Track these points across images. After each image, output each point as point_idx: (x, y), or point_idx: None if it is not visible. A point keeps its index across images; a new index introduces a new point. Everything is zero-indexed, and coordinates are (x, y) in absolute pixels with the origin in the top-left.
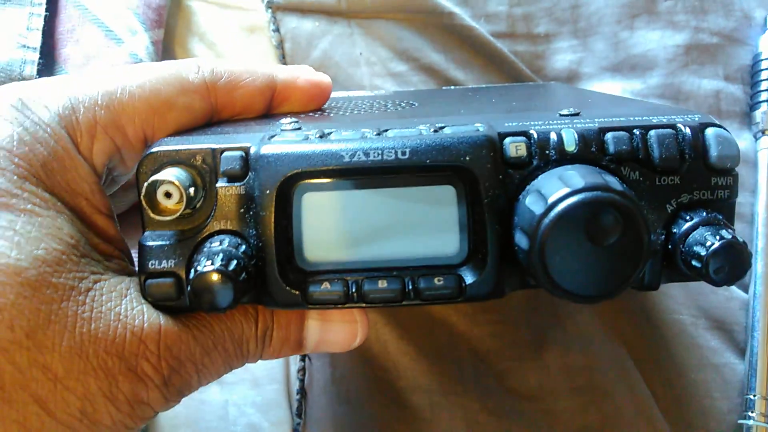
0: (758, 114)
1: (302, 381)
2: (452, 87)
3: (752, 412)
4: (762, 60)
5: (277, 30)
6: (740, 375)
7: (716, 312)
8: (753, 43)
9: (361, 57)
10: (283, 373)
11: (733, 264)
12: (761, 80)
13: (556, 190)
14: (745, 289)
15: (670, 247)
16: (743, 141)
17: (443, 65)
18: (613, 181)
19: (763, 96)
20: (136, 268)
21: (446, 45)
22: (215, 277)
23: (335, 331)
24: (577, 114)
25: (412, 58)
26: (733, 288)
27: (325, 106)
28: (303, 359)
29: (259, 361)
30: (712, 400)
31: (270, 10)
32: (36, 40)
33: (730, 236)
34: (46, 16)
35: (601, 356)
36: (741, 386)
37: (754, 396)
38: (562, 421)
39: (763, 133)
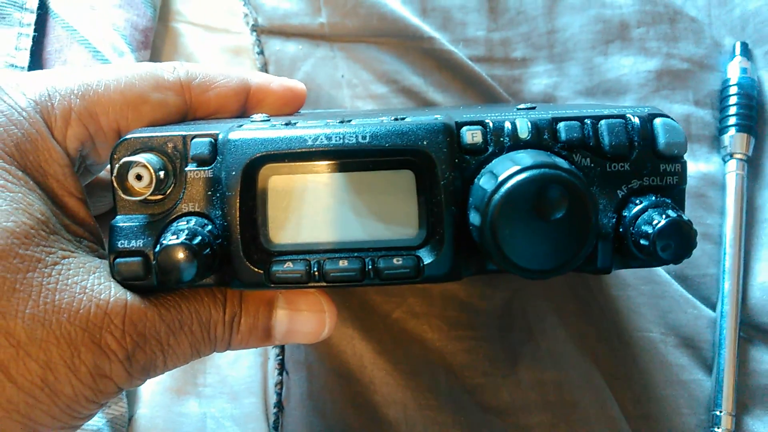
0: (726, 138)
1: (279, 394)
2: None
3: (718, 428)
4: (730, 86)
5: (261, 52)
6: (707, 391)
7: (685, 330)
8: (722, 69)
9: (343, 79)
10: (261, 386)
11: (679, 241)
12: (729, 105)
13: (506, 169)
14: (713, 308)
15: (621, 230)
16: (712, 164)
17: (422, 88)
18: (561, 161)
19: (731, 120)
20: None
21: (425, 68)
22: (179, 249)
23: (304, 320)
24: (533, 108)
25: (392, 81)
26: (702, 306)
27: (303, 113)
28: (281, 373)
29: (237, 375)
30: (681, 416)
31: (255, 33)
32: (24, 59)
33: (675, 215)
34: (34, 36)
35: (572, 372)
36: (708, 402)
37: (720, 412)
38: None
39: (731, 156)
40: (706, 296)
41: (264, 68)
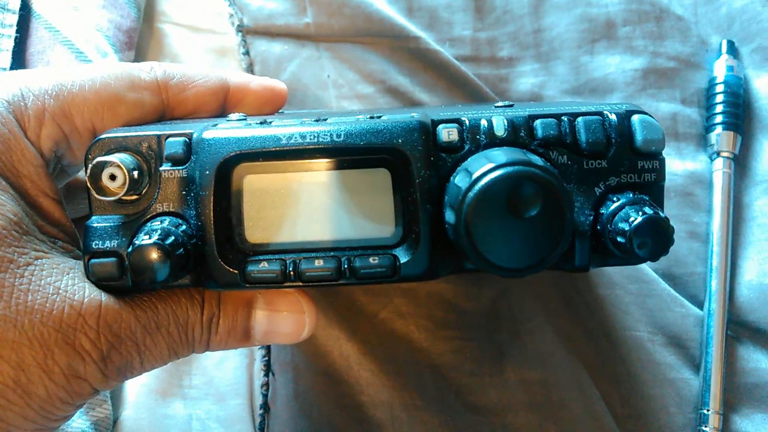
0: (713, 136)
1: (266, 396)
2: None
3: (706, 427)
4: (717, 84)
5: (247, 53)
6: (695, 390)
7: (672, 329)
8: (709, 67)
9: (329, 79)
10: (247, 388)
11: (655, 238)
12: (716, 103)
13: (480, 167)
14: (701, 306)
15: (599, 228)
16: (699, 163)
17: (409, 88)
18: (536, 158)
19: (718, 119)
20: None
21: (412, 68)
22: (152, 249)
23: (283, 321)
24: (510, 105)
25: (379, 81)
26: (689, 305)
27: (284, 113)
28: (267, 374)
29: (223, 377)
30: (668, 415)
31: (240, 34)
32: (6, 60)
33: (652, 212)
34: (16, 37)
35: (559, 372)
36: (696, 401)
37: (708, 411)
38: None
39: (718, 154)
40: (693, 295)
41: (250, 68)
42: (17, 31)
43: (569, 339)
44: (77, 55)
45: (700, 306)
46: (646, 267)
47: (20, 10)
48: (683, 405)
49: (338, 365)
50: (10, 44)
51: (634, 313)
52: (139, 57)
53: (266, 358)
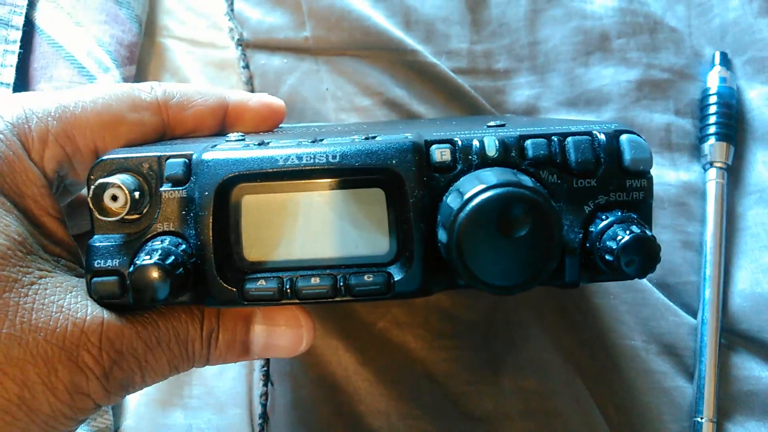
0: (707, 146)
1: (264, 405)
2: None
3: None
4: (710, 95)
5: (246, 66)
6: (689, 398)
7: (666, 337)
8: (702, 78)
9: (328, 92)
10: (246, 397)
11: (642, 256)
12: (709, 114)
13: (472, 187)
14: (694, 315)
15: (588, 245)
16: (693, 173)
17: (406, 100)
18: (526, 179)
19: (712, 129)
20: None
21: (409, 81)
22: (153, 269)
23: (281, 335)
24: (502, 125)
25: (376, 93)
26: (683, 313)
27: (282, 128)
28: (266, 384)
29: (223, 387)
30: (663, 423)
31: (240, 48)
32: (10, 76)
33: (639, 231)
34: (20, 53)
35: (554, 380)
36: (690, 409)
37: (702, 419)
38: None
39: (711, 164)
40: (687, 304)
41: (249, 81)
42: (21, 47)
43: (564, 348)
44: (79, 70)
45: (694, 315)
46: None
47: (24, 26)
48: (677, 413)
49: (336, 375)
50: (14, 60)
51: (628, 322)
52: (141, 71)
53: (265, 368)
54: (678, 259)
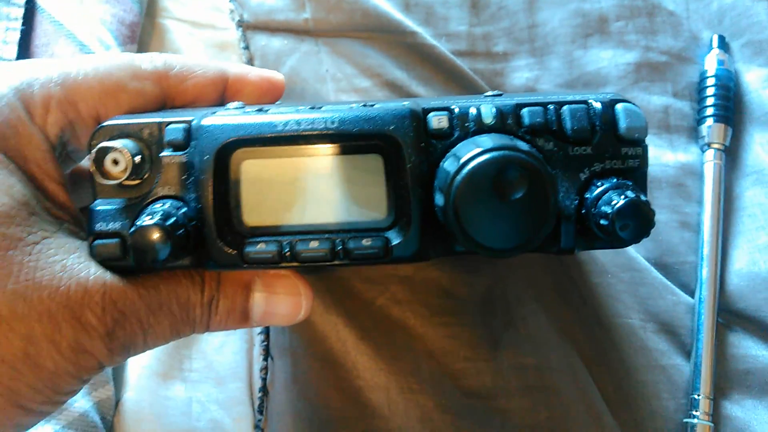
0: (704, 128)
1: (264, 379)
2: None
3: (697, 411)
4: (708, 77)
5: (247, 48)
6: (686, 376)
7: (664, 316)
8: (700, 61)
9: (327, 73)
10: (246, 371)
11: (637, 220)
12: (707, 96)
13: (468, 151)
14: (692, 294)
15: (583, 211)
16: (690, 154)
17: (406, 81)
18: (522, 144)
19: (709, 111)
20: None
21: (409, 62)
22: (153, 229)
23: (280, 303)
24: (500, 95)
25: (376, 75)
26: (680, 293)
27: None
28: (266, 359)
29: (223, 360)
30: (660, 401)
31: (240, 29)
32: (12, 52)
33: (633, 195)
34: (22, 30)
35: (552, 358)
36: (687, 387)
37: (699, 396)
38: (513, 419)
39: (709, 146)
40: (684, 283)
41: (249, 63)
42: (23, 24)
43: (562, 326)
44: (80, 48)
45: (692, 294)
46: (638, 256)
47: (25, 3)
48: (675, 390)
49: (336, 350)
50: (15, 37)
51: (626, 300)
52: (141, 51)
53: (265, 343)
54: (676, 239)
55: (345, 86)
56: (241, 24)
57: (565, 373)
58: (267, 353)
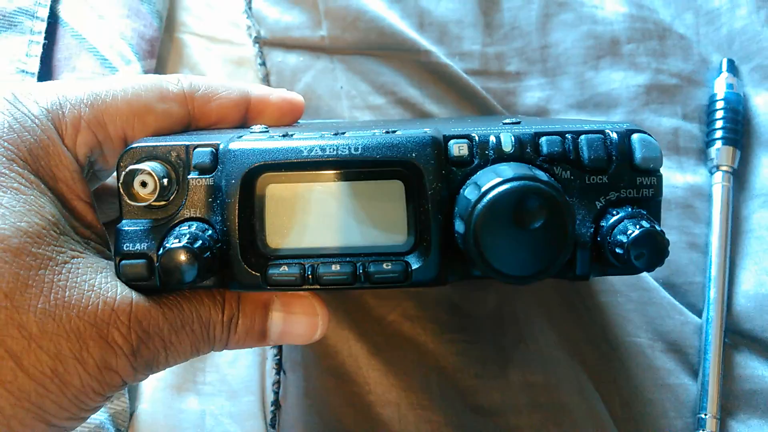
0: (713, 151)
1: (277, 393)
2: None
3: (703, 431)
4: (717, 100)
5: (263, 63)
6: (693, 395)
7: (672, 335)
8: (709, 84)
9: (342, 90)
10: (259, 385)
11: (652, 250)
12: (716, 119)
13: (489, 180)
14: (699, 314)
15: (599, 239)
16: (699, 176)
17: (419, 99)
18: (541, 174)
19: (718, 134)
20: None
21: (422, 81)
22: (181, 252)
23: (297, 323)
24: (518, 123)
25: (390, 92)
26: (688, 313)
27: (301, 123)
28: (278, 373)
29: (236, 374)
30: (668, 419)
31: (257, 45)
32: (35, 66)
33: (648, 225)
34: (44, 44)
35: (561, 375)
36: (694, 406)
37: (705, 415)
38: None
39: (717, 168)
40: (692, 303)
41: (266, 79)
42: (45, 38)
43: (571, 344)
44: (102, 62)
45: (699, 314)
46: (646, 275)
47: (48, 18)
48: (682, 409)
49: (347, 365)
50: (38, 50)
51: (634, 320)
52: (160, 65)
53: (278, 357)
54: (684, 259)
55: (359, 103)
56: (258, 40)
57: (574, 391)
58: (279, 368)
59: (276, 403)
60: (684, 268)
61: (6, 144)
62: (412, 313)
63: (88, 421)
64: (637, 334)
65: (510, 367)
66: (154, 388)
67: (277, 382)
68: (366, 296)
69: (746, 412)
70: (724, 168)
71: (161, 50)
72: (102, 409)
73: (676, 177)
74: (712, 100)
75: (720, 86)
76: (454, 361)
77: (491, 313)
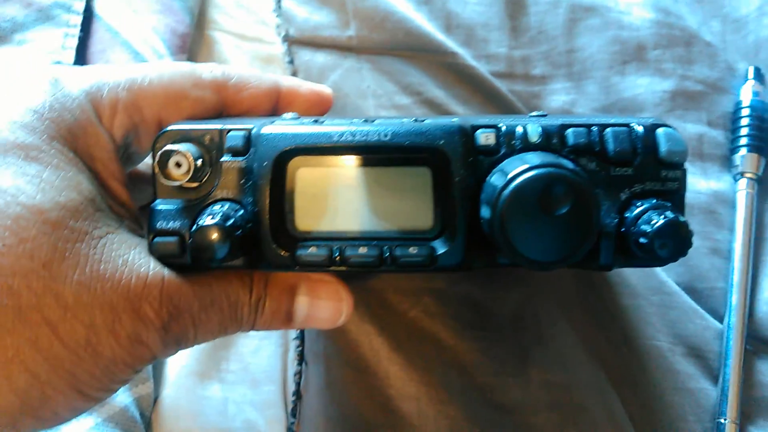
0: (737, 158)
1: (298, 384)
2: None
3: None
4: (742, 108)
5: (291, 62)
6: (713, 400)
7: (693, 340)
8: (735, 92)
9: (369, 89)
10: (281, 375)
11: (675, 239)
12: (741, 126)
13: (516, 167)
14: (721, 320)
15: (623, 230)
16: (723, 183)
17: (444, 100)
18: (567, 162)
19: (743, 141)
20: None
21: (448, 82)
22: (214, 229)
23: (323, 307)
24: (544, 115)
25: (416, 93)
26: (709, 318)
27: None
28: (300, 364)
29: (259, 364)
30: (687, 423)
31: (286, 43)
32: (70, 58)
33: (673, 215)
34: (80, 36)
35: (580, 376)
36: (713, 411)
37: (725, 420)
38: None
39: (742, 175)
40: (714, 309)
41: (294, 77)
42: (81, 31)
43: (591, 345)
44: (135, 56)
45: (720, 320)
46: (668, 279)
47: (84, 11)
48: (701, 413)
49: (368, 358)
50: (74, 43)
51: (655, 323)
52: (191, 61)
53: (300, 348)
54: (706, 265)
55: (385, 102)
56: (287, 39)
57: (593, 392)
58: (301, 358)
59: (297, 393)
60: (706, 274)
61: (47, 122)
62: (434, 309)
63: (113, 403)
64: (657, 338)
65: (530, 366)
66: (178, 374)
67: (299, 373)
68: (387, 292)
69: (766, 418)
70: (749, 175)
71: (192, 46)
72: (127, 392)
73: (700, 183)
74: (738, 108)
75: (746, 94)
76: (474, 359)
77: (512, 311)
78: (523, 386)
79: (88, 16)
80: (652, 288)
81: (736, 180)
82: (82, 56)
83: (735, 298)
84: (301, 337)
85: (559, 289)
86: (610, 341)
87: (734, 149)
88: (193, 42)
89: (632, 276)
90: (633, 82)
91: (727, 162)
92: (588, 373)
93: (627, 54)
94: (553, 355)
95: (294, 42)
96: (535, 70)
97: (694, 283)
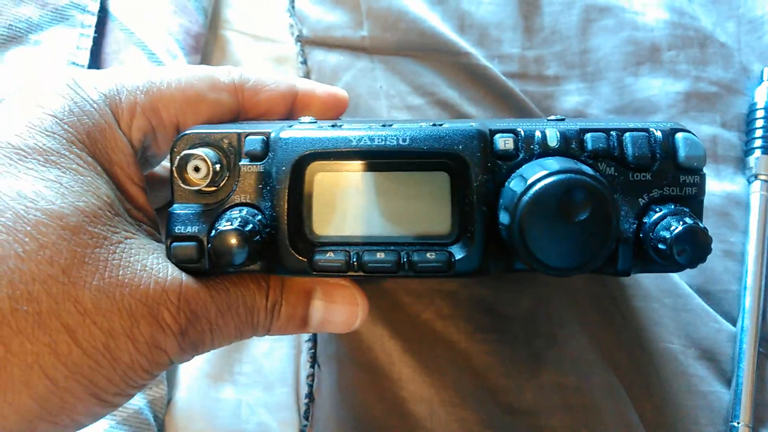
0: (752, 159)
1: (311, 386)
2: None
3: None
4: (757, 110)
5: (304, 62)
6: (726, 403)
7: (705, 343)
8: (749, 93)
9: (381, 90)
10: (294, 377)
11: (694, 246)
12: (755, 128)
13: (535, 173)
14: (734, 323)
15: (641, 235)
16: (737, 185)
17: (457, 101)
18: (586, 168)
19: (757, 143)
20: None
21: (460, 82)
22: (233, 234)
23: (338, 311)
24: (562, 119)
25: (429, 93)
26: (722, 321)
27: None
28: (312, 366)
29: (272, 366)
30: (699, 426)
31: (299, 44)
32: (84, 58)
33: (692, 222)
34: (94, 37)
35: (593, 378)
36: (726, 414)
37: (738, 423)
38: None
39: (756, 177)
40: (727, 311)
41: (306, 77)
42: (95, 32)
43: (604, 347)
44: (149, 56)
45: (733, 322)
46: (681, 282)
47: (98, 12)
48: (714, 416)
49: (381, 361)
50: (88, 43)
51: (668, 325)
52: (204, 61)
53: (312, 351)
54: (719, 267)
55: (398, 103)
56: (300, 39)
57: (605, 394)
58: (314, 361)
59: (310, 396)
60: (719, 276)
61: (66, 127)
62: (446, 312)
63: (127, 406)
64: (670, 340)
65: (542, 369)
66: (191, 376)
67: (312, 375)
68: (400, 294)
69: None
70: (763, 177)
71: (205, 46)
72: (141, 395)
73: (714, 185)
74: (752, 109)
75: (761, 95)
76: (487, 361)
77: (524, 314)
78: (536, 389)
79: (103, 16)
80: (665, 290)
81: (749, 182)
82: (96, 57)
83: (748, 301)
84: (314, 339)
85: (571, 291)
86: (622, 343)
87: (748, 151)
88: (206, 42)
89: (645, 278)
90: (647, 83)
91: (741, 164)
92: (600, 375)
93: (641, 55)
94: (565, 357)
95: (307, 42)
96: (549, 71)
97: (708, 285)
